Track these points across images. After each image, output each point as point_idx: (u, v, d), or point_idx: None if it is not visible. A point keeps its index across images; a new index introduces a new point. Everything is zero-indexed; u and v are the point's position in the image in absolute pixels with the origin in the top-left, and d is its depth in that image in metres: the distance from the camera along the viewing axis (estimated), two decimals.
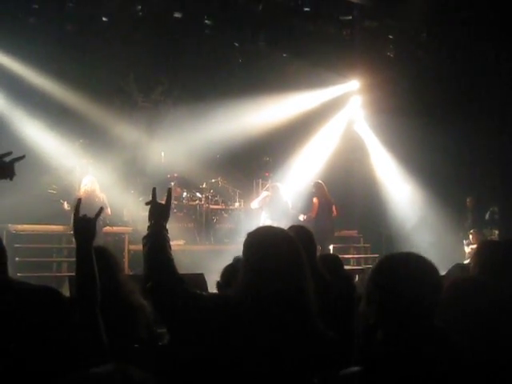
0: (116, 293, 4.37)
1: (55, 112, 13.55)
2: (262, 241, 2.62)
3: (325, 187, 13.50)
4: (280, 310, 2.45)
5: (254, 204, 13.49)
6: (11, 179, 3.11)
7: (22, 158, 3.16)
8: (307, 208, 13.52)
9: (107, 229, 13.31)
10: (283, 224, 8.34)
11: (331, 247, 13.62)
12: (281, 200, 13.16)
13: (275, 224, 8.73)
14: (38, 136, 13.40)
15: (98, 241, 10.53)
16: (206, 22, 14.42)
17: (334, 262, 5.00)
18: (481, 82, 14.60)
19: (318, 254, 4.97)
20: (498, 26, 13.03)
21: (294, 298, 2.48)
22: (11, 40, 12.71)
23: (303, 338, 2.47)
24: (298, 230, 4.31)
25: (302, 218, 13.13)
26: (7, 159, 3.07)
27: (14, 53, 13.08)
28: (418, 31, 14.76)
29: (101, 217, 10.55)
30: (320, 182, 13.72)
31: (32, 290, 2.53)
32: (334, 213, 13.40)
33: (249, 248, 2.62)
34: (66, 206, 11.07)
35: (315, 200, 13.26)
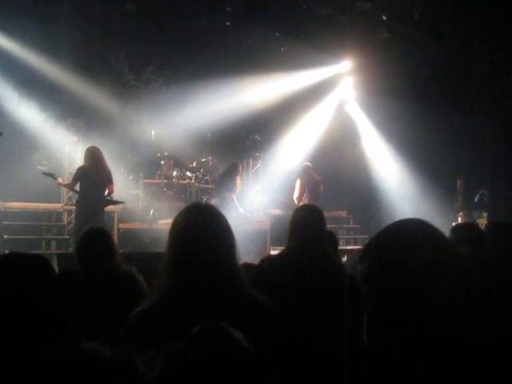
0: (114, 268, 4.47)
1: (45, 90, 13.48)
2: (187, 216, 2.61)
3: (310, 168, 13.46)
4: (213, 287, 2.43)
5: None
6: None
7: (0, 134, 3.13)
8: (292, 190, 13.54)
9: None
10: None
11: None
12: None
13: None
14: (28, 114, 13.34)
15: (100, 220, 10.41)
16: (198, 0, 14.34)
17: (331, 239, 4.96)
18: (473, 64, 14.60)
19: None
20: (494, 11, 13.01)
21: (224, 273, 2.47)
22: (4, 19, 12.63)
23: (237, 304, 2.45)
24: (309, 208, 4.33)
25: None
26: None
27: (4, 30, 13.00)
28: (412, 13, 14.71)
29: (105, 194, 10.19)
30: (306, 163, 13.72)
31: (22, 257, 2.54)
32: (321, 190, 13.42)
33: (174, 226, 2.62)
34: (60, 180, 10.80)
35: (298, 182, 13.25)
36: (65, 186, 11.02)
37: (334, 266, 3.96)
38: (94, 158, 10.71)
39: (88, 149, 10.87)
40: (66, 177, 13.16)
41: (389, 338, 1.82)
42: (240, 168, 13.00)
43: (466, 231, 4.21)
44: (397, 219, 1.97)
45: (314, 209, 4.36)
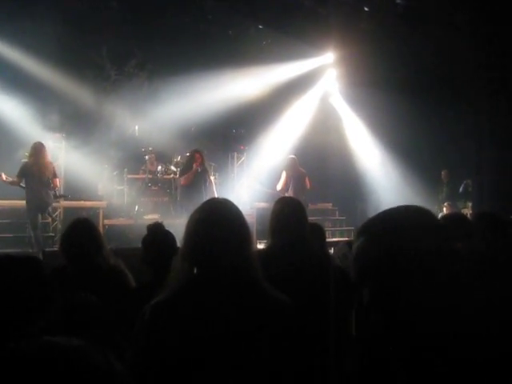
0: (103, 259, 4.40)
1: (28, 86, 13.36)
2: (203, 211, 2.61)
3: (296, 161, 13.45)
4: (229, 281, 2.45)
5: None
6: None
7: None
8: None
9: (81, 203, 13.24)
10: None
11: None
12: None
13: None
14: (12, 111, 13.25)
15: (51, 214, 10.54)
16: None
17: (318, 231, 4.95)
18: (457, 56, 14.63)
19: None
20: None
21: (240, 267, 2.48)
22: None
23: (255, 304, 2.47)
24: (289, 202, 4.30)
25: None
26: None
27: None
28: (394, 3, 14.70)
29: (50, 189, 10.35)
30: (292, 156, 13.71)
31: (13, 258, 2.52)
32: (308, 185, 13.40)
33: (191, 220, 2.61)
34: (3, 176, 10.83)
35: (283, 173, 13.25)
36: (10, 183, 11.01)
37: (319, 258, 3.95)
38: (36, 153, 10.97)
39: (33, 145, 11.07)
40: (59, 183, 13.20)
41: (386, 333, 1.76)
42: (197, 155, 12.69)
43: (455, 221, 4.20)
44: (381, 210, 1.87)
45: (292, 200, 4.36)
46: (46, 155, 11.04)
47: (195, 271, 2.50)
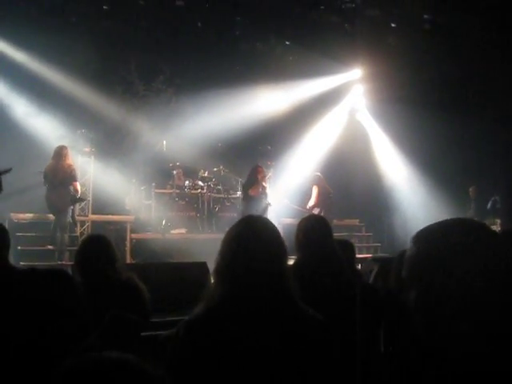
0: (115, 273, 4.40)
1: (57, 102, 13.53)
2: (239, 228, 2.62)
3: (323, 178, 13.60)
4: (264, 297, 2.44)
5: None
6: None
7: (9, 171, 3.17)
8: (307, 198, 13.57)
9: (109, 217, 13.35)
10: None
11: None
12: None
13: None
14: (40, 126, 13.42)
15: (61, 218, 10.88)
16: (207, 10, 14.39)
17: (348, 248, 4.92)
18: (484, 71, 14.55)
19: None
20: (503, 16, 12.96)
21: (275, 283, 2.47)
22: (17, 32, 12.81)
23: (290, 321, 2.46)
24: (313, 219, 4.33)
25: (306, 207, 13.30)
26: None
27: (19, 45, 13.22)
28: (421, 19, 14.68)
29: (71, 191, 10.56)
30: (318, 173, 13.81)
31: (40, 272, 2.54)
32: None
33: (227, 237, 2.61)
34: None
35: (315, 189, 13.29)
36: None
37: (348, 273, 3.96)
38: (54, 156, 11.34)
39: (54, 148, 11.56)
40: (79, 187, 13.31)
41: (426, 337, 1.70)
42: (259, 169, 12.99)
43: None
44: (408, 227, 1.83)
45: (315, 217, 4.44)
46: (62, 158, 11.39)
47: (230, 287, 2.49)
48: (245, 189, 12.88)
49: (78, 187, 11.71)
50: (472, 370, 1.58)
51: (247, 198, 12.65)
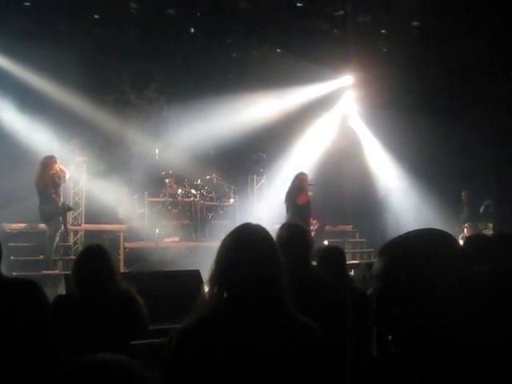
0: (114, 286, 4.37)
1: (49, 111, 13.51)
2: (234, 236, 2.63)
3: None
4: (258, 306, 2.44)
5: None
6: None
7: None
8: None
9: (102, 226, 13.34)
10: None
11: (326, 242, 13.66)
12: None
13: None
14: (33, 137, 13.38)
15: (49, 227, 10.96)
16: (199, 18, 14.43)
17: (339, 254, 4.93)
18: (473, 77, 14.62)
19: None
20: (491, 22, 13.05)
21: (269, 292, 2.48)
22: (8, 42, 12.83)
23: (283, 329, 2.46)
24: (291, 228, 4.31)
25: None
26: None
27: (10, 54, 13.23)
28: (411, 26, 14.76)
29: (60, 201, 10.56)
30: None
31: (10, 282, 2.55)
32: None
33: (222, 245, 2.62)
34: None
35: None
36: None
37: (322, 279, 3.98)
38: (39, 167, 11.41)
39: None
40: (71, 196, 13.29)
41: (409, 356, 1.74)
42: (303, 176, 12.77)
43: (480, 244, 4.13)
44: (401, 232, 1.88)
45: (290, 226, 4.41)
46: (44, 168, 11.41)
47: (224, 295, 2.50)
48: (291, 198, 12.54)
49: (61, 194, 11.73)
50: (458, 371, 1.61)
51: (295, 207, 12.43)
